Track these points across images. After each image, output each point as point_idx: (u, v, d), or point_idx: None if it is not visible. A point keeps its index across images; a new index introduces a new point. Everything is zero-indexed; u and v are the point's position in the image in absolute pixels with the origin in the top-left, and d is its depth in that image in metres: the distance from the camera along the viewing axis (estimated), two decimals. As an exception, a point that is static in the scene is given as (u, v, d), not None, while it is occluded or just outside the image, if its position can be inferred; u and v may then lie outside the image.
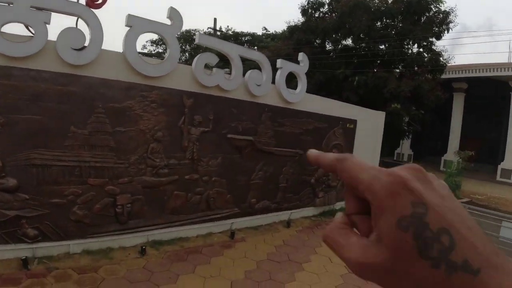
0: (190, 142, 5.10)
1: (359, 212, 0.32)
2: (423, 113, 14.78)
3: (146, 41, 26.01)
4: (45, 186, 4.21)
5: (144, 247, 4.62)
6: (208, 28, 21.80)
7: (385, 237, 0.28)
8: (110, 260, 4.41)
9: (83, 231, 4.49)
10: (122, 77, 4.51)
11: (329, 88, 15.33)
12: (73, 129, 4.29)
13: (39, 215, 4.22)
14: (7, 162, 3.93)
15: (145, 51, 24.82)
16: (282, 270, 4.60)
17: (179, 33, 5.95)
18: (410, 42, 15.39)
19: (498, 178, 17.64)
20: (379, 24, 15.63)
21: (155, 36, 26.10)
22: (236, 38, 24.14)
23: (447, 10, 15.21)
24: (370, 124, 8.64)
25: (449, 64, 16.41)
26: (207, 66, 5.24)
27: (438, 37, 15.38)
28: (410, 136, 18.85)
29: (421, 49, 15.64)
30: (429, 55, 15.42)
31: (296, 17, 28.98)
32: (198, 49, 20.02)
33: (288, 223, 6.44)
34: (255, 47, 23.07)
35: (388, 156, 21.96)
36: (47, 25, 4.07)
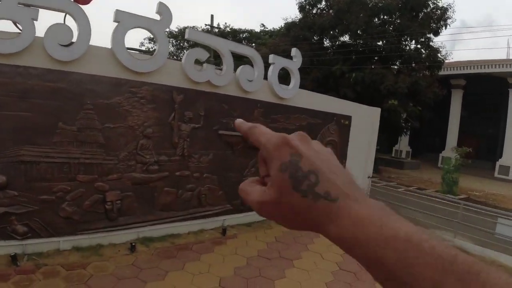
0: (180, 138, 5.08)
1: (267, 175, 0.39)
2: (420, 110, 14.74)
3: (144, 38, 25.95)
4: (34, 183, 4.19)
5: (133, 244, 4.62)
6: (206, 25, 21.70)
7: (272, 179, 0.37)
8: (100, 256, 4.40)
9: (72, 228, 4.48)
10: (111, 73, 4.48)
11: (326, 85, 15.29)
12: (61, 125, 4.27)
13: (28, 211, 4.21)
14: (-5, 158, 3.92)
15: (143, 48, 24.74)
16: (272, 266, 4.59)
17: (168, 29, 5.90)
18: (408, 39, 15.33)
19: (496, 174, 17.64)
20: (376, 20, 15.56)
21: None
22: (234, 35, 24.07)
23: (445, 6, 15.14)
24: (365, 120, 8.60)
25: (447, 61, 16.36)
26: (199, 62, 5.22)
27: (436, 33, 15.34)
28: (408, 133, 18.83)
29: (418, 46, 15.59)
30: (427, 51, 15.37)
31: (294, 14, 28.86)
32: (196, 47, 19.93)
33: (281, 220, 6.41)
34: (253, 44, 23.00)
35: (387, 153, 21.97)
36: (34, 22, 4.04)
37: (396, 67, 15.73)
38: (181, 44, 25.47)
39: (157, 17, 4.74)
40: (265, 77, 6.16)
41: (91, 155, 4.47)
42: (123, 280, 3.85)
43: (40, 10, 4.11)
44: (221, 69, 5.54)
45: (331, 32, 16.36)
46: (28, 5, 4.08)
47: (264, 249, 5.11)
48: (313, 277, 4.45)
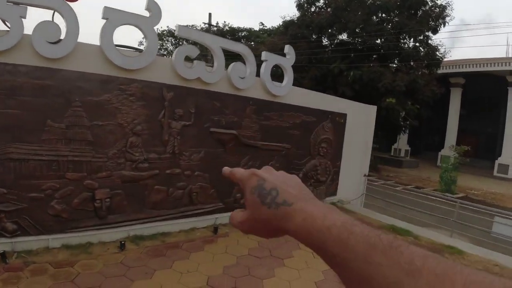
0: (171, 136, 5.05)
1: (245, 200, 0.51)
2: (418, 108, 14.69)
3: (143, 37, 25.88)
4: (22, 180, 4.18)
5: (123, 242, 4.60)
6: (204, 23, 21.66)
7: (247, 200, 0.49)
8: (89, 254, 4.38)
9: (62, 226, 4.46)
10: (100, 70, 4.46)
11: (324, 83, 15.25)
12: (49, 123, 4.24)
13: (17, 209, 4.19)
14: (-17, 156, 3.90)
15: (142, 47, 24.71)
16: (262, 265, 4.56)
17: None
18: (406, 37, 15.26)
19: (495, 173, 17.58)
20: (374, 18, 15.50)
21: (151, 32, 25.94)
22: (232, 33, 24.02)
23: (444, 4, 15.07)
24: (361, 118, 8.56)
25: (446, 59, 16.29)
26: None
27: (435, 31, 15.28)
28: (407, 132, 18.77)
29: (417, 44, 15.52)
30: (425, 49, 15.31)
31: (292, 12, 28.75)
32: (195, 46, 19.90)
33: (274, 218, 6.38)
34: (252, 43, 22.95)
35: (386, 151, 21.91)
36: (23, 19, 4.03)
37: (394, 65, 15.66)
38: (180, 43, 25.44)
39: (147, 14, 4.71)
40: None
41: (80, 152, 4.45)
42: (109, 278, 3.83)
43: (29, 8, 4.10)
44: (212, 66, 5.50)
45: (329, 31, 16.31)
46: (17, 3, 4.06)
47: (255, 247, 5.07)
48: (303, 276, 4.42)
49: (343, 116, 7.97)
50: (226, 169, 0.57)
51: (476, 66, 17.37)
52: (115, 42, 4.54)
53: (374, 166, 15.85)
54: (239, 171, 0.53)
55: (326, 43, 17.32)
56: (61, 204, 4.40)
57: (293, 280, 4.27)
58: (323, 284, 4.25)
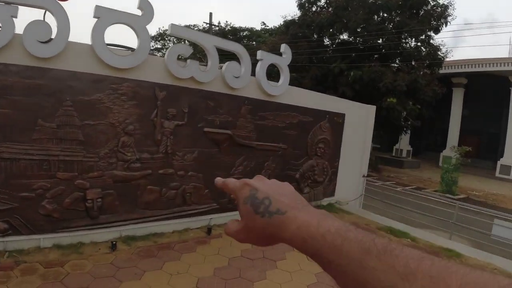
0: (163, 135, 5.01)
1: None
2: (419, 108, 14.56)
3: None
4: (14, 180, 4.16)
5: (114, 242, 4.56)
6: (205, 23, 21.63)
7: (240, 210, 0.49)
8: (80, 255, 4.35)
9: (53, 226, 4.44)
10: (91, 69, 4.43)
11: (325, 83, 15.16)
12: (40, 122, 4.22)
13: (8, 208, 4.17)
14: (-27, 155, 3.89)
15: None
16: (254, 267, 4.51)
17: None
18: (408, 36, 15.14)
19: (497, 174, 17.41)
20: (375, 17, 15.38)
21: (152, 32, 26.04)
22: (234, 33, 23.97)
23: (445, 3, 14.93)
24: (360, 118, 8.47)
25: (448, 59, 16.15)
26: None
27: (436, 31, 15.15)
28: (409, 132, 18.64)
29: (418, 43, 15.39)
30: (427, 49, 15.19)
31: (294, 12, 28.62)
32: (195, 45, 19.90)
33: (270, 219, 6.33)
34: (254, 43, 22.91)
35: (387, 152, 21.79)
36: (14, 19, 4.01)
37: (395, 65, 15.55)
38: (183, 42, 25.44)
39: (139, 13, 4.67)
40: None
41: (71, 152, 4.42)
42: (98, 279, 3.80)
43: (20, 7, 4.09)
44: (206, 65, 5.45)
45: (330, 30, 16.21)
46: (8, 3, 4.05)
47: (248, 249, 5.01)
48: (295, 279, 4.36)
49: (341, 116, 7.89)
50: (218, 180, 0.57)
51: (479, 66, 17.21)
52: (115, 42, 4.53)
53: (375, 166, 15.76)
54: (231, 182, 0.54)
55: (327, 42, 17.22)
56: (52, 203, 4.38)
57: (284, 283, 4.22)
58: (315, 287, 4.19)
